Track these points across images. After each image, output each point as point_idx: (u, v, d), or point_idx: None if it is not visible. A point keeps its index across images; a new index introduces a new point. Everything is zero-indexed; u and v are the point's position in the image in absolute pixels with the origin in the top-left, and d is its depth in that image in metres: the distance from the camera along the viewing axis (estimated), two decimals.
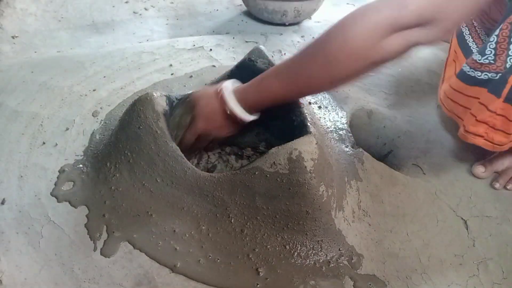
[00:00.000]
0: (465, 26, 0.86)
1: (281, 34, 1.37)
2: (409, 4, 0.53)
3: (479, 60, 0.69)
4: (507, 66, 0.64)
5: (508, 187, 0.78)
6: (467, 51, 0.85)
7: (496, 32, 0.65)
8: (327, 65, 0.58)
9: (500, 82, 0.65)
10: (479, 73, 0.70)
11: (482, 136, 0.72)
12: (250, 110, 0.67)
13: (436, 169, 0.82)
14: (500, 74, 0.66)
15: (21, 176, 0.72)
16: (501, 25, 0.64)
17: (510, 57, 0.64)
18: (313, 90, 0.68)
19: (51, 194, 0.69)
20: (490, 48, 0.67)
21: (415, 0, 0.53)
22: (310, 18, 1.51)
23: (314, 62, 0.59)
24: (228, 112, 0.66)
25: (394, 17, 0.53)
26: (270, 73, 0.65)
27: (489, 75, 0.68)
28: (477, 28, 0.84)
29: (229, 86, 0.67)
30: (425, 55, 1.23)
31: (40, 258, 0.60)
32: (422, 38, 0.56)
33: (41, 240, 0.62)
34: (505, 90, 0.64)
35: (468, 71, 0.72)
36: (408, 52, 0.59)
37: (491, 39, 0.66)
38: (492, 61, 0.67)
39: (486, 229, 0.71)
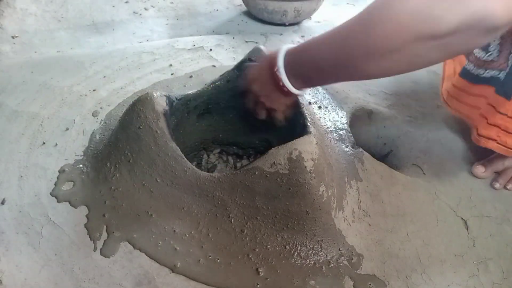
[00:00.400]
0: None
1: (281, 34, 1.37)
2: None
3: (483, 57, 0.68)
4: (510, 64, 0.63)
5: (508, 187, 0.78)
6: None
7: None
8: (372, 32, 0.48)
9: (508, 83, 0.64)
10: (482, 71, 0.68)
11: (494, 140, 0.70)
12: (300, 85, 0.62)
13: (436, 169, 0.82)
14: (504, 72, 0.65)
15: (21, 176, 0.72)
16: None
17: None
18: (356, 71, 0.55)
19: (51, 194, 0.69)
20: (493, 44, 0.66)
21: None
22: (310, 18, 1.51)
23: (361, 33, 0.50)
24: (283, 86, 0.61)
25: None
26: (314, 47, 0.58)
27: (492, 72, 0.67)
28: None
29: (282, 60, 0.61)
30: None
31: (40, 258, 0.60)
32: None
33: (41, 240, 0.62)
34: None
35: (472, 69, 0.70)
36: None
37: None
38: (495, 58, 0.66)
39: (486, 229, 0.71)
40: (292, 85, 0.61)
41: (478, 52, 0.69)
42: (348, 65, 0.53)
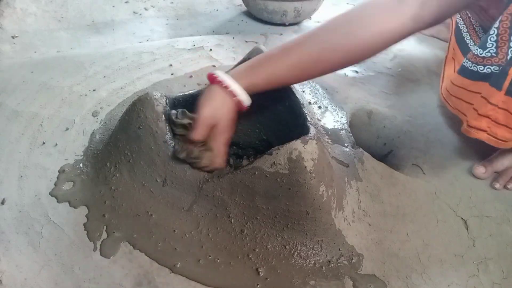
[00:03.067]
0: (463, 24, 0.86)
1: (281, 34, 1.37)
2: (425, 17, 0.61)
3: (480, 54, 0.68)
4: (509, 58, 0.63)
5: (508, 187, 0.78)
6: (464, 48, 0.85)
7: (496, 25, 0.65)
8: (343, 55, 0.63)
9: (501, 75, 0.65)
10: (482, 67, 0.69)
11: (485, 131, 0.71)
12: (248, 94, 0.64)
13: (436, 169, 0.82)
14: (501, 67, 0.65)
15: (21, 176, 0.72)
16: (501, 17, 0.64)
17: (511, 48, 0.63)
18: (319, 74, 0.67)
19: (51, 194, 0.69)
20: (491, 41, 0.66)
21: (429, 13, 0.61)
22: (310, 18, 1.51)
23: (329, 53, 0.63)
24: (234, 98, 0.63)
25: (412, 28, 0.62)
26: (276, 58, 0.64)
27: (492, 68, 0.67)
28: (474, 26, 0.84)
29: (231, 80, 0.63)
30: (425, 55, 1.23)
31: (40, 258, 0.60)
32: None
33: (41, 240, 0.62)
34: (506, 83, 0.64)
35: (471, 66, 0.71)
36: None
37: (491, 31, 0.66)
38: (494, 54, 0.66)
39: (486, 229, 0.71)
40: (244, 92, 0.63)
41: (476, 50, 0.69)
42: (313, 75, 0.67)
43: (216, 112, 0.62)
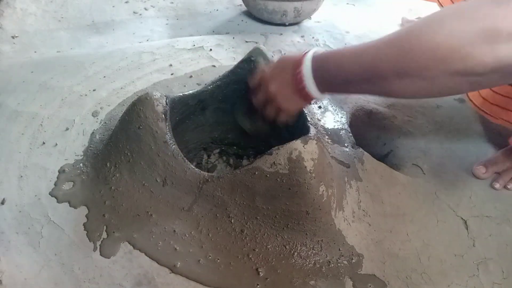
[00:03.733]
0: None
1: (281, 34, 1.37)
2: None
3: None
4: None
5: (508, 187, 0.78)
6: None
7: None
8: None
9: None
10: None
11: None
12: (323, 90, 0.61)
13: (436, 169, 0.82)
14: None
15: (21, 176, 0.72)
16: None
17: None
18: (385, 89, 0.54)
19: (51, 194, 0.69)
20: None
21: None
22: (310, 18, 1.51)
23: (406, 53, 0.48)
24: (303, 89, 0.61)
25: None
26: (347, 58, 0.57)
27: None
28: None
29: (309, 62, 0.60)
30: None
31: (40, 258, 0.60)
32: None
33: (41, 240, 0.62)
34: None
35: None
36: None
37: None
38: None
39: (486, 229, 0.71)
40: (317, 90, 0.60)
41: None
42: (375, 82, 0.53)
43: (281, 99, 0.64)
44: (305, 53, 0.61)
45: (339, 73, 0.57)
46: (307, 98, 0.62)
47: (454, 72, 0.45)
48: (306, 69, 0.59)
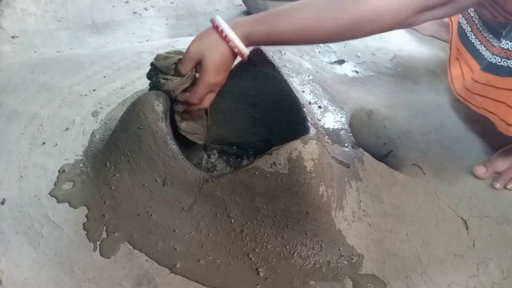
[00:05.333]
0: (466, 24, 0.86)
1: None
2: None
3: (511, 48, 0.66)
4: None
5: (508, 187, 0.78)
6: (471, 48, 0.84)
7: None
8: (349, 23, 0.61)
9: None
10: None
11: None
12: (248, 45, 0.64)
13: (436, 169, 0.82)
14: None
15: (21, 176, 0.72)
16: None
17: None
18: (321, 39, 0.70)
19: (51, 194, 0.69)
20: None
21: None
22: None
23: (338, 17, 0.61)
24: (236, 51, 0.63)
25: None
26: (282, 14, 0.63)
27: None
28: (478, 25, 0.84)
29: (226, 25, 0.62)
30: (425, 55, 1.23)
31: (40, 258, 0.60)
32: (441, 15, 0.63)
33: (41, 240, 0.62)
34: None
35: (500, 62, 0.68)
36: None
37: None
38: None
39: (486, 229, 0.71)
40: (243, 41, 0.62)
41: (505, 44, 0.67)
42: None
43: (205, 48, 0.62)
44: (226, 33, 0.62)
45: (272, 42, 0.64)
46: (232, 46, 0.63)
47: (419, 10, 0.60)
48: (224, 25, 0.62)
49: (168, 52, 0.67)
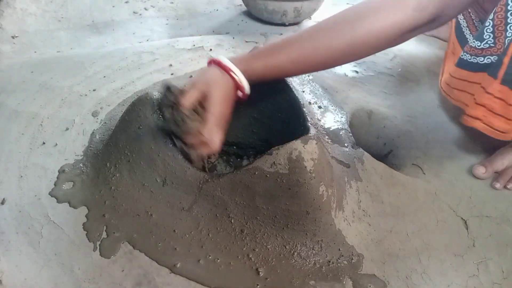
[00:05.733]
0: (463, 18, 0.87)
1: (281, 34, 1.37)
2: (428, 7, 0.61)
3: (478, 46, 0.70)
4: (504, 47, 0.65)
5: (508, 187, 0.78)
6: (463, 42, 0.86)
7: (491, 16, 0.66)
8: (345, 48, 0.63)
9: (496, 64, 0.66)
10: (482, 58, 0.71)
11: (480, 120, 0.71)
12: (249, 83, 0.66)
13: (436, 169, 0.82)
14: (498, 56, 0.67)
15: (21, 176, 0.72)
16: (495, 8, 0.65)
17: (507, 38, 0.64)
18: (318, 67, 0.69)
19: (51, 194, 0.69)
20: (487, 32, 0.68)
21: (432, 2, 0.61)
22: (310, 18, 1.51)
23: (333, 43, 0.63)
24: (239, 83, 0.64)
25: (415, 19, 0.62)
26: (277, 47, 0.65)
27: (492, 58, 0.69)
28: (474, 21, 0.85)
29: (228, 61, 0.64)
30: (425, 55, 1.23)
31: (40, 258, 0.60)
32: (426, 30, 0.67)
33: (41, 240, 0.62)
34: (501, 72, 0.65)
35: (469, 59, 0.73)
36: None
37: (487, 23, 0.67)
38: (492, 44, 0.68)
39: (486, 229, 0.71)
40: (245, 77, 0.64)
41: (473, 42, 0.71)
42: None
43: (211, 81, 0.62)
44: (229, 68, 0.64)
45: (271, 76, 0.66)
46: (238, 87, 0.65)
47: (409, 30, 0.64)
48: (226, 61, 0.64)
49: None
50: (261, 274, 0.61)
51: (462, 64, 0.75)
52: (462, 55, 0.75)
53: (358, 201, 0.73)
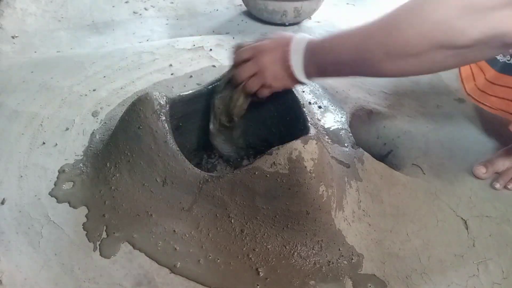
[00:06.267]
0: None
1: None
2: None
3: None
4: None
5: (508, 187, 0.78)
6: None
7: None
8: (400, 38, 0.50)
9: None
10: None
11: None
12: (312, 73, 0.64)
13: (436, 169, 0.82)
14: None
15: (21, 176, 0.72)
16: None
17: None
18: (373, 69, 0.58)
19: (51, 194, 0.69)
20: None
21: None
22: (310, 18, 1.51)
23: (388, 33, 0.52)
24: (289, 68, 0.63)
25: None
26: (338, 40, 0.60)
27: None
28: None
29: (299, 44, 0.62)
30: None
31: (40, 258, 0.60)
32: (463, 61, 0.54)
33: (41, 240, 0.62)
34: None
35: (509, 60, 0.69)
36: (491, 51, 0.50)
37: None
38: None
39: (486, 229, 0.71)
40: (303, 72, 0.63)
41: None
42: (365, 62, 0.56)
43: (275, 84, 0.65)
44: (299, 36, 0.63)
45: (329, 55, 0.60)
46: (293, 78, 0.64)
47: (440, 46, 0.48)
48: (295, 47, 0.62)
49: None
50: (261, 274, 0.61)
51: (505, 69, 0.70)
52: (509, 61, 0.69)
53: (358, 201, 0.73)
